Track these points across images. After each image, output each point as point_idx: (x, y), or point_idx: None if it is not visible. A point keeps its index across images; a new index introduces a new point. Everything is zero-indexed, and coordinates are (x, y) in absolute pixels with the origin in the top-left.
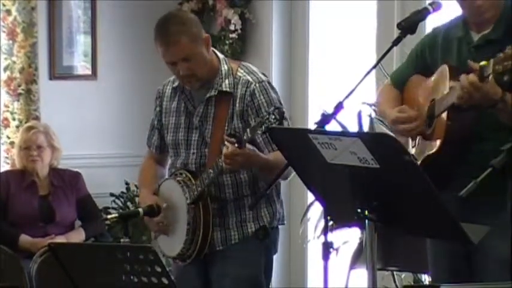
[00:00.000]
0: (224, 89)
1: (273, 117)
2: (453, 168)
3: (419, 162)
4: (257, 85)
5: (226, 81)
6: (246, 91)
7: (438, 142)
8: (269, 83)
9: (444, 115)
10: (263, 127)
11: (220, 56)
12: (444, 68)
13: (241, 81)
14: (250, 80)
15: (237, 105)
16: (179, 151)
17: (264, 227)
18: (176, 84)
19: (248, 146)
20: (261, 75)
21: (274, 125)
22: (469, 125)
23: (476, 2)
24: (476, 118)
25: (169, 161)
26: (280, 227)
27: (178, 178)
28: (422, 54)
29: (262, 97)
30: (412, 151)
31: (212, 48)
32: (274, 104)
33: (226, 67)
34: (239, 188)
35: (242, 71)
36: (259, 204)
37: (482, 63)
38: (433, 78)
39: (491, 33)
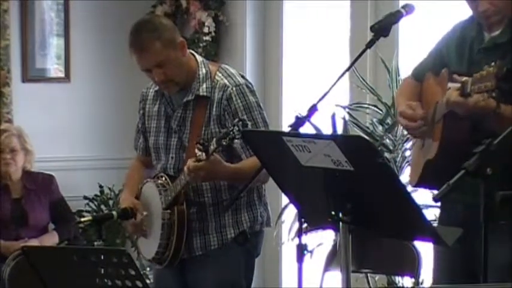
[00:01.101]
0: (201, 94)
1: (237, 129)
2: (452, 173)
3: (422, 166)
4: (234, 89)
5: (204, 85)
6: (222, 95)
7: (436, 148)
8: (247, 86)
9: (442, 122)
10: (227, 139)
11: (199, 58)
12: (444, 71)
13: (218, 85)
14: (227, 83)
15: (214, 109)
16: (160, 155)
17: (244, 231)
18: (158, 87)
19: (215, 156)
20: (239, 78)
21: (237, 136)
22: (466, 132)
23: (480, 8)
24: (472, 126)
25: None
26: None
27: (158, 181)
28: (441, 51)
29: (239, 101)
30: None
31: (191, 51)
32: (250, 108)
33: (204, 70)
34: (218, 193)
35: (220, 74)
36: (239, 209)
37: (464, 79)
38: (438, 78)
39: (499, 37)
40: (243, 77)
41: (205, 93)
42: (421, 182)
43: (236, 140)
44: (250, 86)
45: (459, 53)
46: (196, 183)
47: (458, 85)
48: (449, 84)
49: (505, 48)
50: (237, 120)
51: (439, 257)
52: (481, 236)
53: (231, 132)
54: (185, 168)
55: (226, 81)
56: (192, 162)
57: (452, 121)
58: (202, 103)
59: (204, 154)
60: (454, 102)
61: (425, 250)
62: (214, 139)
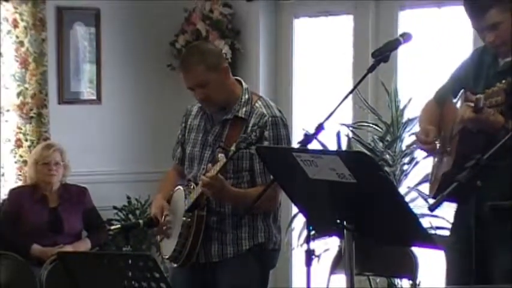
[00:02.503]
0: (240, 115)
1: (254, 134)
2: (467, 185)
3: (439, 179)
4: (270, 119)
5: (244, 108)
6: (258, 122)
7: (451, 162)
8: (282, 119)
9: (457, 137)
10: (245, 143)
11: (245, 86)
12: (462, 93)
13: (257, 111)
14: (265, 113)
15: (248, 131)
16: (193, 165)
17: (259, 244)
18: None
19: (221, 177)
20: (276, 110)
21: (254, 142)
22: (479, 147)
23: (487, 39)
24: (485, 141)
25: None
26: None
27: (186, 188)
28: (460, 75)
29: (271, 130)
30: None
31: (238, 78)
32: (278, 139)
33: (247, 96)
34: None
35: (260, 103)
36: (256, 226)
37: (478, 96)
38: (456, 100)
39: None
40: (279, 111)
41: (243, 116)
42: (438, 193)
43: (242, 147)
44: (284, 120)
45: (476, 77)
46: (208, 195)
47: (471, 103)
48: (464, 104)
49: None
50: (256, 127)
51: (451, 266)
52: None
53: (249, 137)
54: (200, 181)
55: (264, 110)
56: (204, 177)
57: (466, 136)
58: (238, 124)
59: (217, 167)
60: (467, 118)
61: (422, 255)
62: (234, 144)
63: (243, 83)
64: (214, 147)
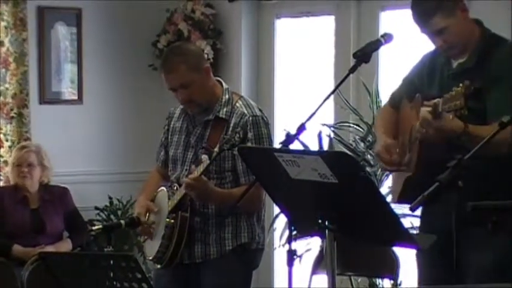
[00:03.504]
0: (221, 116)
1: (238, 136)
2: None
3: (402, 184)
4: (250, 118)
5: (225, 109)
6: (239, 121)
7: (414, 166)
8: (263, 118)
9: (418, 142)
10: (228, 144)
11: (225, 86)
12: (418, 97)
13: (237, 111)
14: (246, 112)
15: (230, 132)
16: (176, 166)
17: (242, 244)
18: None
19: (204, 178)
20: (257, 110)
21: (237, 143)
22: (440, 151)
23: (436, 44)
24: (445, 146)
25: None
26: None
27: (169, 189)
28: (413, 79)
29: (252, 130)
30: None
31: (218, 79)
32: (260, 138)
33: (227, 97)
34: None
35: (241, 102)
36: (239, 226)
37: (436, 100)
38: (412, 104)
39: (466, 62)
40: (260, 110)
41: (224, 116)
42: (401, 198)
43: (224, 149)
44: (265, 119)
45: (430, 80)
46: (192, 196)
47: (429, 108)
48: (422, 109)
49: (472, 72)
50: (239, 129)
51: (422, 266)
52: (460, 242)
53: (232, 139)
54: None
55: (245, 110)
56: (188, 179)
57: (427, 142)
58: (220, 124)
59: (200, 168)
60: (428, 124)
61: (403, 255)
62: (218, 145)
63: (223, 83)
64: (196, 148)
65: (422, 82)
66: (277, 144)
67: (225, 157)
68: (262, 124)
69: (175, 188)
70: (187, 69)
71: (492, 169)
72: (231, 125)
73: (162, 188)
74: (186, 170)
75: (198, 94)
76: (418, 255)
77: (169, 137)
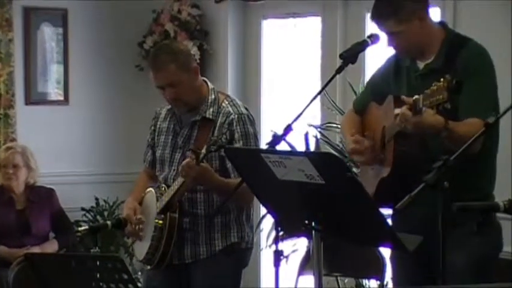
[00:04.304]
0: (207, 116)
1: (225, 137)
2: (408, 188)
3: (376, 185)
4: (236, 116)
5: (211, 109)
6: (225, 120)
7: (389, 166)
8: (248, 117)
9: (392, 141)
10: (216, 145)
11: (211, 86)
12: (390, 98)
13: (223, 111)
14: (231, 111)
15: (216, 131)
16: (164, 167)
17: (232, 244)
18: (170, 106)
19: (206, 164)
20: (242, 108)
21: (224, 144)
22: (416, 149)
23: (389, 45)
24: (421, 143)
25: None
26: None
27: (158, 190)
28: (377, 83)
29: (238, 128)
30: (370, 173)
31: (204, 79)
32: (247, 136)
33: (213, 96)
34: (211, 206)
35: (227, 102)
36: (228, 225)
37: (415, 97)
38: (383, 106)
39: (433, 63)
40: (246, 109)
41: (211, 116)
42: (375, 200)
43: (212, 150)
44: (251, 117)
45: (397, 82)
46: (190, 183)
47: (406, 106)
48: (396, 110)
49: (440, 72)
50: (225, 130)
51: (397, 264)
52: (439, 242)
53: (219, 140)
54: (180, 166)
55: (230, 109)
56: (186, 161)
57: (403, 140)
58: (207, 125)
59: (194, 161)
60: (407, 120)
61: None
62: (205, 146)
63: (209, 84)
64: (184, 149)
65: (389, 85)
66: (263, 145)
67: (212, 157)
68: (248, 122)
69: (163, 188)
70: (176, 69)
71: (462, 167)
72: (218, 124)
73: (150, 189)
74: (174, 170)
75: (186, 93)
76: (392, 257)
77: (155, 137)
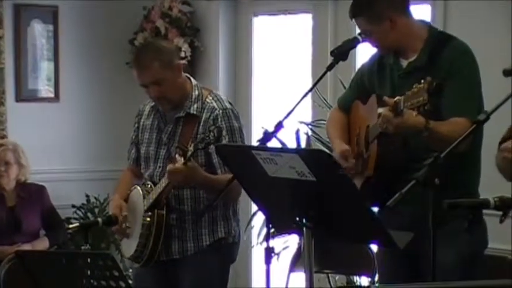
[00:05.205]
0: (192, 112)
1: (212, 134)
2: (392, 187)
3: (360, 184)
4: (220, 111)
5: (195, 105)
6: (210, 116)
7: (373, 166)
8: (233, 111)
9: (376, 141)
10: (203, 143)
11: (194, 82)
12: (373, 97)
13: (207, 106)
14: (216, 106)
15: (201, 127)
16: (149, 164)
17: (219, 239)
18: (154, 103)
19: (193, 162)
20: (227, 103)
21: (212, 141)
22: (399, 148)
23: (371, 44)
24: (404, 143)
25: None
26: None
27: (144, 187)
28: (362, 81)
29: (223, 123)
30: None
31: (187, 75)
32: (232, 131)
33: (197, 93)
34: (197, 202)
35: (211, 97)
36: (215, 221)
37: (397, 98)
38: (367, 105)
39: (417, 61)
40: (230, 103)
41: (195, 112)
42: None
43: (211, 146)
44: (235, 112)
45: (381, 80)
46: (176, 185)
47: (387, 107)
48: (380, 109)
49: (424, 70)
50: (213, 127)
51: (384, 260)
52: (430, 239)
53: (207, 138)
54: (166, 171)
55: (215, 104)
56: (172, 166)
57: (386, 139)
58: (191, 121)
59: (182, 159)
60: (388, 121)
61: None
62: (192, 144)
63: (192, 80)
64: (169, 145)
65: (372, 83)
66: (254, 142)
67: (198, 152)
68: (233, 117)
69: (149, 185)
70: (160, 66)
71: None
72: (203, 119)
73: (136, 186)
74: (159, 167)
75: (170, 91)
76: (379, 254)
77: (139, 134)
